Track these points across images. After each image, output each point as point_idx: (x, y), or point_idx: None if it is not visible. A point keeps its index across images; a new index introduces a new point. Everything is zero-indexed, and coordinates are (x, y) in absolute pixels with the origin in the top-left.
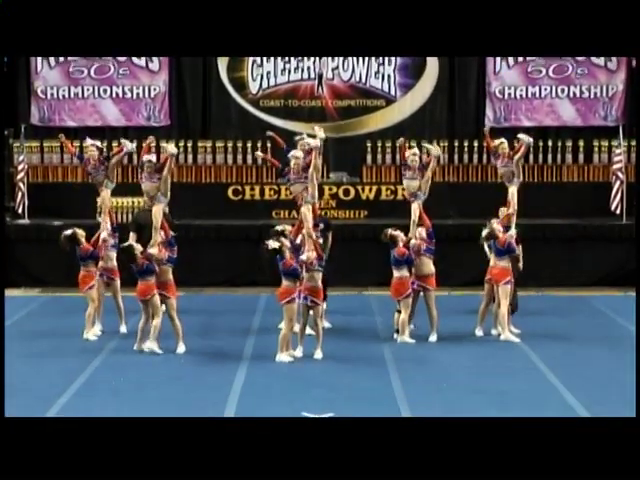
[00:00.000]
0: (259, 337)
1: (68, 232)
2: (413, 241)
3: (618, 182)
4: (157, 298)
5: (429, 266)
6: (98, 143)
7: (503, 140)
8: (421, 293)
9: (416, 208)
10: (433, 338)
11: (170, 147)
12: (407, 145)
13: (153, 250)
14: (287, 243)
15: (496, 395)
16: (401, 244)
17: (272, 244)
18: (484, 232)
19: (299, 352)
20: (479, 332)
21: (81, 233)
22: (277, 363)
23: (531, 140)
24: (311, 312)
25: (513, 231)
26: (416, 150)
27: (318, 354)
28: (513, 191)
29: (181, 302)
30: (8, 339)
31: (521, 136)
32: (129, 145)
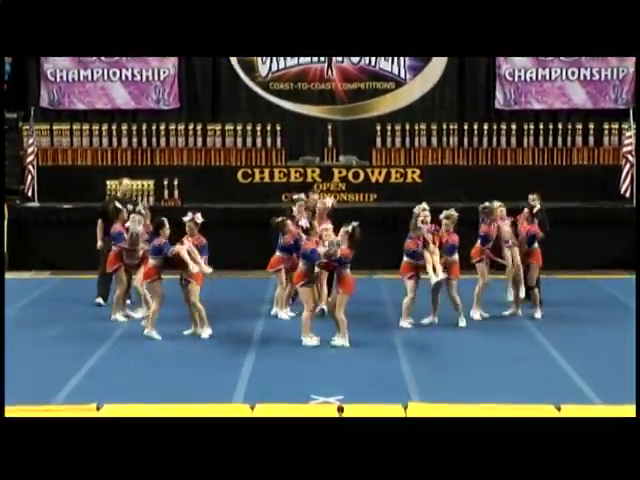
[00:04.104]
0: (269, 321)
1: (118, 204)
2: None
3: (628, 165)
4: (157, 284)
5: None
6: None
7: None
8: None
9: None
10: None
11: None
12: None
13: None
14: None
15: (506, 379)
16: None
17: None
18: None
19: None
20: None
21: (124, 211)
22: (287, 347)
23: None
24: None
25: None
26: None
27: (343, 341)
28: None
29: None
30: (18, 322)
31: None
32: None
